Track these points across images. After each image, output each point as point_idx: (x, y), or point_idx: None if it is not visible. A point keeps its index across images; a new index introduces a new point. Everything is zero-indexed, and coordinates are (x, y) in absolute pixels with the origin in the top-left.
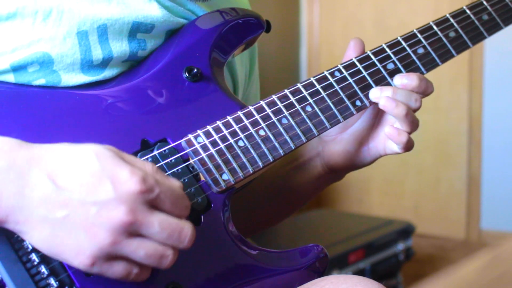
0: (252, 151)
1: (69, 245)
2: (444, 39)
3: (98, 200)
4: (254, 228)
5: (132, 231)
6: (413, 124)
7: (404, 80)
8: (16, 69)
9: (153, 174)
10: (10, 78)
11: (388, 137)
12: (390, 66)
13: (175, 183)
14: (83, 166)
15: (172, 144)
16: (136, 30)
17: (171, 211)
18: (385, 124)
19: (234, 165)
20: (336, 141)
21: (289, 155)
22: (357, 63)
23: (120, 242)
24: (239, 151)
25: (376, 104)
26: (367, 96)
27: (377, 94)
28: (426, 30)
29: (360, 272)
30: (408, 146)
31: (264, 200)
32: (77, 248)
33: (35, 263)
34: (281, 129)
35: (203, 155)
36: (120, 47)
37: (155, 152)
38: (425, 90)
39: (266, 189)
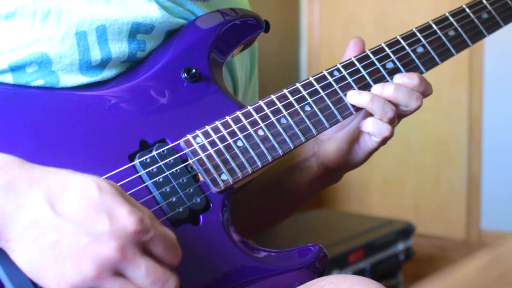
0: (251, 151)
1: (53, 271)
2: (443, 38)
3: (91, 232)
4: (252, 230)
5: (118, 269)
6: (383, 110)
7: (405, 79)
8: (14, 69)
9: (150, 218)
10: (9, 78)
11: (363, 129)
12: (389, 65)
13: (170, 232)
14: (84, 196)
15: (171, 145)
16: (136, 31)
17: (163, 256)
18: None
19: (233, 165)
20: (331, 140)
21: (285, 156)
22: (356, 63)
23: (104, 278)
24: (238, 151)
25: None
26: None
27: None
28: (425, 29)
29: (360, 272)
30: (378, 129)
31: (261, 201)
32: (60, 275)
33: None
34: (280, 129)
35: (202, 155)
36: (119, 48)
37: (154, 153)
38: (425, 90)
39: (263, 189)
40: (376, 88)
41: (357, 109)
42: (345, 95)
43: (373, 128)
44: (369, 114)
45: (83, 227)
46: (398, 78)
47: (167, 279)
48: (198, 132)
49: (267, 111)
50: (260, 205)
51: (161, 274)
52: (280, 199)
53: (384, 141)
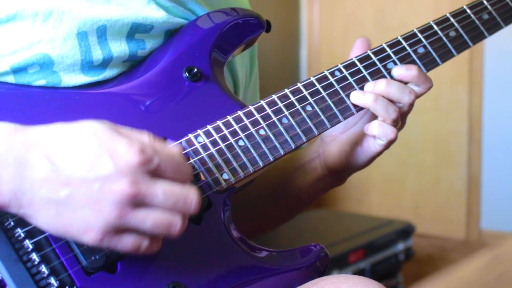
0: (252, 150)
1: (76, 223)
2: (444, 38)
3: (99, 176)
4: (255, 231)
5: (137, 202)
6: (386, 110)
7: (403, 70)
8: (16, 71)
9: (151, 144)
10: (10, 79)
11: (368, 132)
12: (390, 65)
13: (174, 150)
14: (80, 143)
15: (173, 144)
16: (135, 30)
17: (174, 178)
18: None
19: (235, 164)
20: (335, 142)
21: (289, 157)
22: (357, 63)
23: (126, 214)
24: (239, 151)
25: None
26: None
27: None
28: (426, 29)
29: (360, 272)
30: (384, 132)
31: (264, 204)
32: (85, 225)
33: (36, 262)
34: (282, 129)
35: (203, 154)
36: (119, 47)
37: None
38: (423, 82)
39: (267, 191)
40: (369, 86)
41: (359, 109)
42: (346, 95)
43: (379, 131)
44: (372, 117)
45: (90, 174)
46: (396, 70)
47: (187, 194)
48: (199, 131)
49: (269, 110)
50: (264, 207)
51: (180, 192)
52: (284, 201)
53: (388, 144)
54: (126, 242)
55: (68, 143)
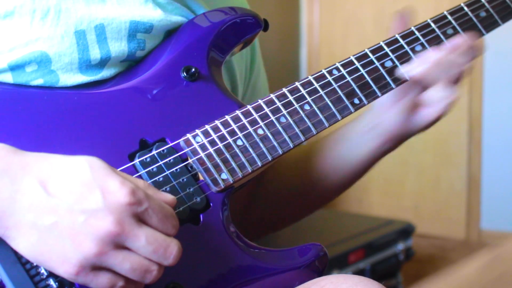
0: (251, 150)
1: (55, 253)
2: (442, 36)
3: (87, 209)
4: (282, 223)
5: (118, 242)
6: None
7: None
8: (14, 68)
9: (144, 189)
10: (8, 77)
11: (428, 100)
12: (388, 63)
13: (167, 198)
14: (75, 175)
15: (171, 144)
16: (135, 30)
17: (158, 227)
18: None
19: (233, 164)
20: (391, 111)
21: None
22: (355, 61)
23: (106, 253)
24: (237, 151)
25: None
26: (365, 95)
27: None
28: (423, 27)
29: (360, 272)
30: (450, 95)
31: (303, 193)
32: (63, 256)
33: (35, 264)
34: (280, 128)
35: (202, 154)
36: (118, 47)
37: (154, 152)
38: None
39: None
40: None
41: (357, 108)
42: (344, 94)
43: (440, 95)
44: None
45: (78, 206)
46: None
47: (168, 244)
48: (197, 131)
49: (267, 110)
50: (292, 190)
51: (162, 241)
52: (335, 174)
53: (447, 108)
54: (101, 281)
55: (63, 172)
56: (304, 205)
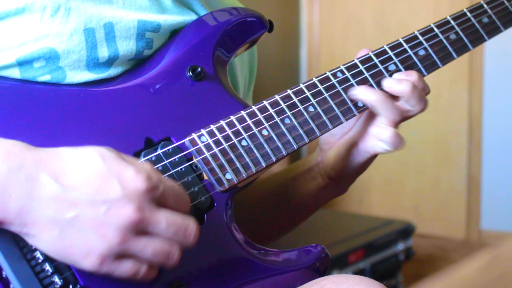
0: (255, 151)
1: (79, 246)
2: (445, 41)
3: (107, 199)
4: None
5: (140, 229)
6: (420, 101)
7: (403, 76)
8: (22, 63)
9: (156, 173)
10: (16, 73)
11: (376, 137)
12: (392, 67)
13: (172, 181)
14: (89, 167)
15: (176, 143)
16: (144, 29)
17: (175, 207)
18: (374, 124)
19: (238, 165)
20: (332, 148)
21: (289, 168)
22: (359, 64)
23: (129, 240)
24: (242, 151)
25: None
26: None
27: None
28: (427, 32)
29: (360, 272)
30: (396, 142)
31: (265, 213)
32: (87, 248)
33: (40, 260)
34: (284, 129)
35: (207, 154)
36: (127, 45)
37: (159, 151)
38: (423, 88)
39: (266, 201)
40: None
41: (361, 110)
42: (348, 97)
43: (391, 139)
44: (369, 119)
45: (97, 197)
46: (396, 75)
47: (188, 224)
48: (203, 131)
49: (271, 111)
50: (265, 218)
51: (181, 222)
52: (285, 210)
53: (392, 148)
54: (125, 268)
55: (78, 165)
56: (280, 222)
